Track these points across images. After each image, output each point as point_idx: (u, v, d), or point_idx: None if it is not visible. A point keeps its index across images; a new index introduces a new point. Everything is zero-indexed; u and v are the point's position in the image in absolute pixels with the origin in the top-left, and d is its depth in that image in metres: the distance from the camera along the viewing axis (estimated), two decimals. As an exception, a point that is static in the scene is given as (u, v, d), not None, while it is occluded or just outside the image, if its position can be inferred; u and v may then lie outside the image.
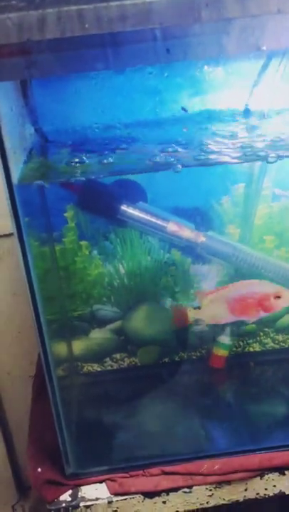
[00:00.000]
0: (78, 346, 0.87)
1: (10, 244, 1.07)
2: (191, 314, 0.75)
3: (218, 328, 0.88)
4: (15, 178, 0.52)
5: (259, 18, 0.46)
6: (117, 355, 0.89)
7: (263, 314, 0.74)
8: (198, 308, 0.75)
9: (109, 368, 0.90)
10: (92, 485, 0.70)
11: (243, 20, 0.46)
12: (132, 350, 0.89)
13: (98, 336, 0.87)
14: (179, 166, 0.63)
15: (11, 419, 1.27)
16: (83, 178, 0.63)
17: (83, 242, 0.80)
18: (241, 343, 0.90)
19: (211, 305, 0.74)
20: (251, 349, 0.90)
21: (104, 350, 0.88)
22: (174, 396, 0.84)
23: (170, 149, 0.66)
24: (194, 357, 0.90)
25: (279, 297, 0.72)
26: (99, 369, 0.89)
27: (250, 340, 0.90)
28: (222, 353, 0.87)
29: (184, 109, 0.60)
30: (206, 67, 0.71)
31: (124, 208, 0.74)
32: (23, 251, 0.56)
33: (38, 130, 0.71)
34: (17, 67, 0.46)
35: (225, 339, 0.87)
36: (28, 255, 0.56)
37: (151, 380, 0.88)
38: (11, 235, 1.07)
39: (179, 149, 0.66)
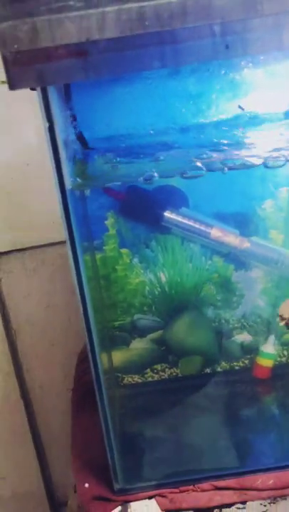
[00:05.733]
0: (119, 357, 0.85)
1: (44, 255, 1.06)
2: None
3: (261, 338, 0.85)
4: (68, 184, 0.51)
5: None
6: (158, 366, 0.87)
7: None
8: None
9: (150, 379, 0.87)
10: (141, 501, 0.68)
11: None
12: (173, 361, 0.87)
13: (139, 346, 0.85)
14: (226, 168, 0.62)
15: (44, 433, 1.25)
16: (134, 183, 0.62)
17: (124, 250, 0.79)
18: (286, 353, 0.87)
19: None
20: (296, 358, 0.87)
21: (145, 360, 0.86)
22: (219, 408, 0.82)
23: (214, 153, 0.65)
24: (237, 367, 0.87)
25: None
26: (139, 380, 0.87)
27: (295, 349, 0.87)
28: (266, 363, 0.84)
29: (240, 107, 0.59)
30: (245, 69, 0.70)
31: (167, 214, 0.72)
32: (75, 259, 0.54)
33: (80, 136, 0.70)
34: (74, 69, 0.45)
35: (269, 348, 0.84)
36: (80, 263, 0.54)
37: (193, 392, 0.86)
38: (44, 246, 1.06)
39: (222, 151, 0.65)
